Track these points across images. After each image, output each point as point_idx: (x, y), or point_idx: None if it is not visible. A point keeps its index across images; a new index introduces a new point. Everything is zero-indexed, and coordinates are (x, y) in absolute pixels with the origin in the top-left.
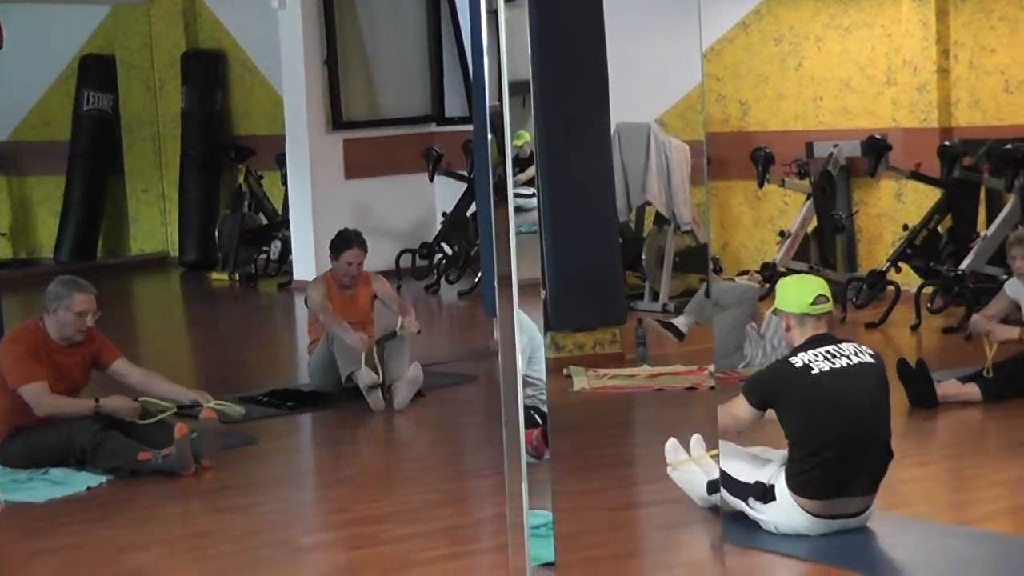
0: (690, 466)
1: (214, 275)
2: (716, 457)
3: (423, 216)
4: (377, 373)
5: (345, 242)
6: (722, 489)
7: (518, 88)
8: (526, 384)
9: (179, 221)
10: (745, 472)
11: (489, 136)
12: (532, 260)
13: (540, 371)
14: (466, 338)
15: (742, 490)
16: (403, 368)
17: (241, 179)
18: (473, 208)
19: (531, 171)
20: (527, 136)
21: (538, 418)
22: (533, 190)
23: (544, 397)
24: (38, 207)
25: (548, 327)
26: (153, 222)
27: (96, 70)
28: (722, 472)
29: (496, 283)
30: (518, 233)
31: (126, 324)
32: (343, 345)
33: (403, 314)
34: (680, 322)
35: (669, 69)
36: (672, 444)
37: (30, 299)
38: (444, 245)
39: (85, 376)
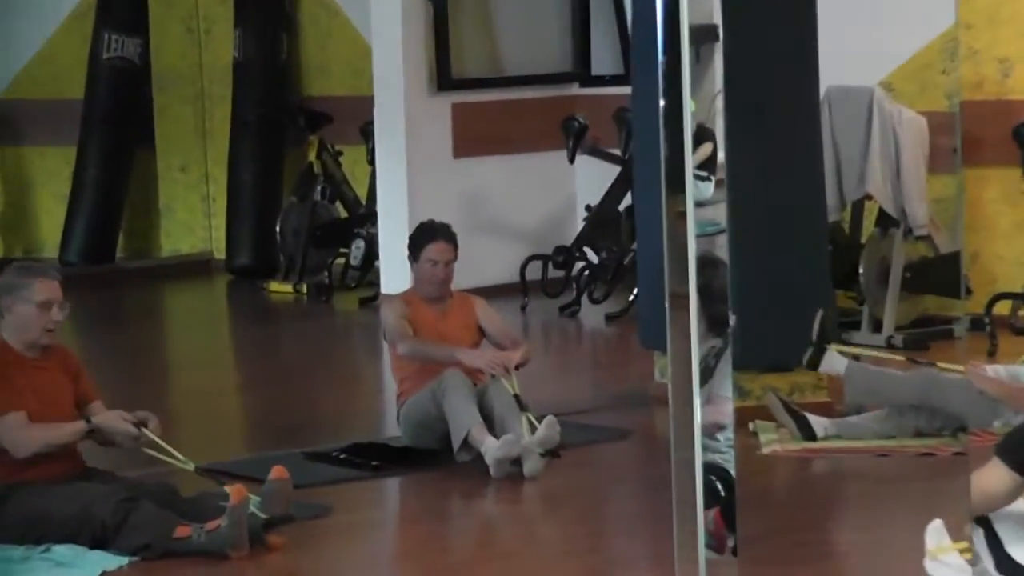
0: (952, 556)
1: (274, 285)
2: (968, 552)
3: (559, 210)
4: (529, 429)
5: (426, 234)
6: None
7: (699, 36)
8: (706, 445)
9: (227, 211)
10: None
11: (662, 102)
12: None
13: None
14: (616, 378)
15: None
16: (514, 420)
17: (313, 156)
18: (629, 200)
19: (704, 150)
20: (693, 106)
21: (721, 490)
22: (709, 175)
23: (730, 460)
24: (40, 189)
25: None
26: (193, 212)
27: (120, 5)
28: (1005, 559)
29: (667, 303)
30: (698, 236)
31: (152, 349)
32: (453, 391)
33: (511, 351)
34: (836, 361)
35: (900, 13)
36: (936, 527)
37: None
38: (588, 250)
39: (70, 393)
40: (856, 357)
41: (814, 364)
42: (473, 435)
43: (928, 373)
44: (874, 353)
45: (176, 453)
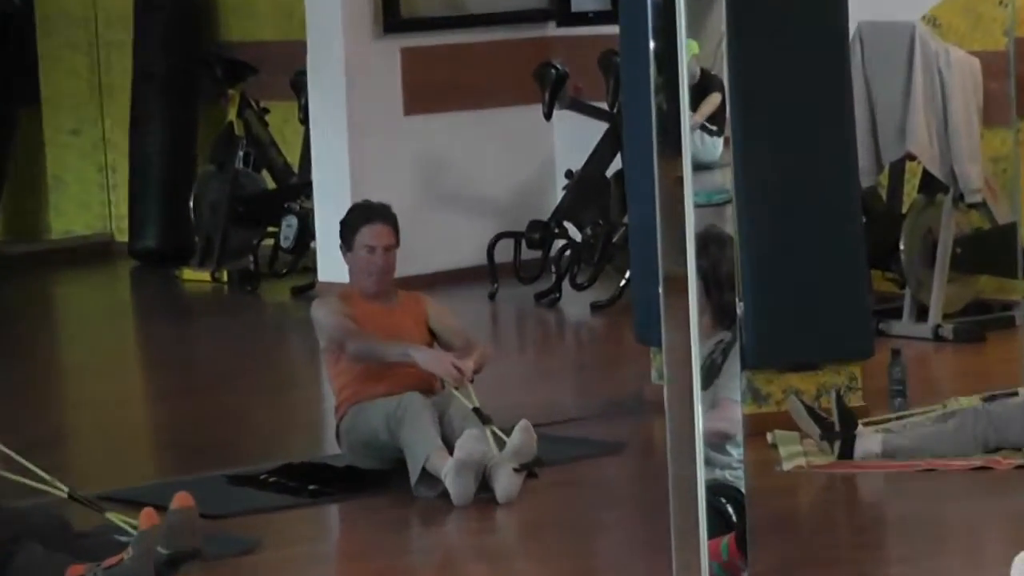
0: None
1: (188, 273)
2: None
3: (534, 177)
4: (496, 446)
5: (359, 216)
6: None
7: None
8: (711, 459)
9: (130, 184)
10: None
11: (652, 44)
12: None
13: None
14: (606, 380)
15: None
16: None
17: (233, 114)
18: (619, 164)
19: (712, 100)
20: (696, 47)
21: (731, 514)
22: (717, 130)
23: (740, 477)
24: None
25: (744, 363)
26: (88, 185)
27: None
28: None
29: (660, 290)
30: (699, 206)
31: (40, 350)
32: (413, 417)
33: (463, 355)
34: (870, 442)
35: None
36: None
37: None
38: (569, 225)
39: None
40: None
41: (847, 454)
42: (433, 462)
43: (976, 413)
44: (910, 419)
45: (42, 473)
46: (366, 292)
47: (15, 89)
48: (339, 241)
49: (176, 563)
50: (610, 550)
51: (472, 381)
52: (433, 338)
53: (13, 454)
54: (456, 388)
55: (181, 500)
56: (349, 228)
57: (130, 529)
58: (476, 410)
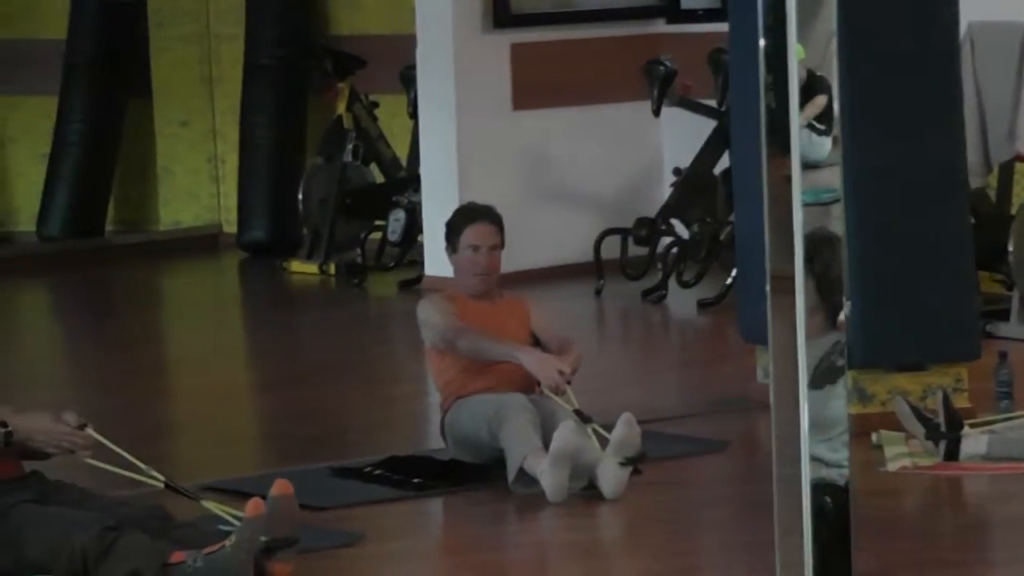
0: None
1: (295, 265)
2: None
3: (641, 174)
4: (595, 441)
5: (464, 217)
6: None
7: None
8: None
9: (239, 175)
10: None
11: (761, 42)
12: None
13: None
14: (711, 378)
15: None
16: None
17: (342, 107)
18: (727, 162)
19: (817, 103)
20: (802, 52)
21: (835, 515)
22: (825, 129)
23: (846, 477)
24: (13, 148)
25: (850, 363)
26: (197, 176)
27: None
28: None
29: (768, 289)
30: (806, 205)
31: (148, 341)
32: (513, 417)
33: (559, 356)
34: (976, 443)
35: None
36: None
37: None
38: (676, 223)
39: None
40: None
41: (953, 455)
42: (530, 462)
43: None
44: (1016, 421)
45: (138, 463)
46: (471, 292)
47: (126, 80)
48: (444, 243)
49: (273, 550)
50: (712, 549)
51: (569, 383)
52: (534, 341)
53: (110, 444)
54: (555, 393)
55: (280, 487)
56: (453, 229)
57: (232, 519)
58: (576, 411)
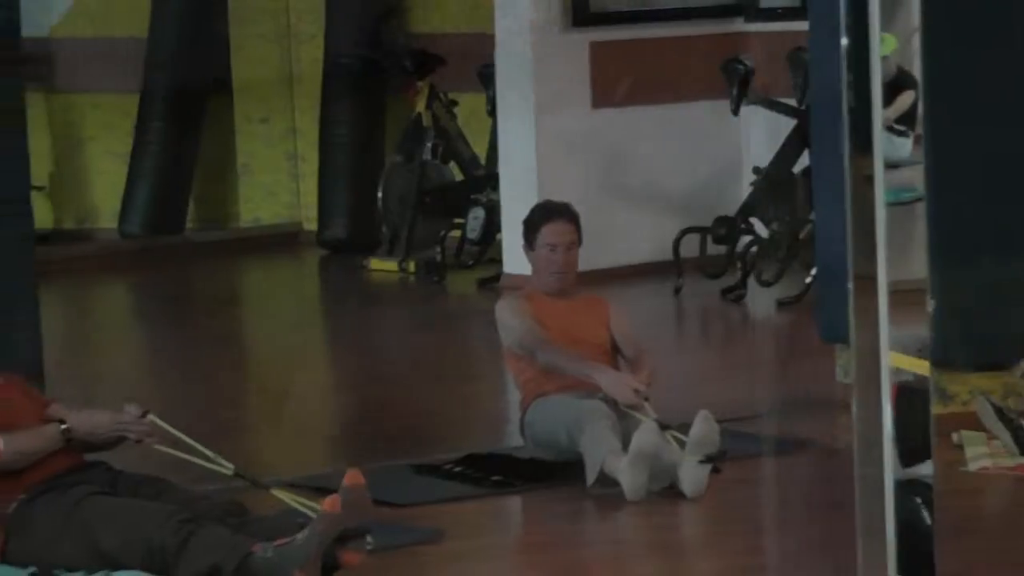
0: None
1: (375, 262)
2: None
3: (721, 173)
4: (675, 444)
5: (541, 215)
6: None
7: None
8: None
9: (319, 173)
10: None
11: (844, 41)
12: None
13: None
14: (790, 378)
15: None
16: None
17: (421, 106)
18: (807, 161)
19: (904, 100)
20: (893, 43)
21: (919, 515)
22: (905, 131)
23: (928, 477)
24: (93, 145)
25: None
26: (277, 174)
27: None
28: None
29: (850, 288)
30: (895, 204)
31: (227, 339)
32: (592, 423)
33: (633, 370)
34: None
35: None
36: None
37: (79, 291)
38: (755, 222)
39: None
40: None
41: None
42: (609, 464)
43: None
44: None
45: (205, 450)
46: (548, 290)
47: (206, 77)
48: (522, 241)
49: (345, 540)
50: (791, 548)
51: (647, 400)
52: (612, 341)
53: (174, 431)
54: (632, 408)
55: (352, 477)
56: (531, 227)
57: (305, 510)
58: (655, 421)
